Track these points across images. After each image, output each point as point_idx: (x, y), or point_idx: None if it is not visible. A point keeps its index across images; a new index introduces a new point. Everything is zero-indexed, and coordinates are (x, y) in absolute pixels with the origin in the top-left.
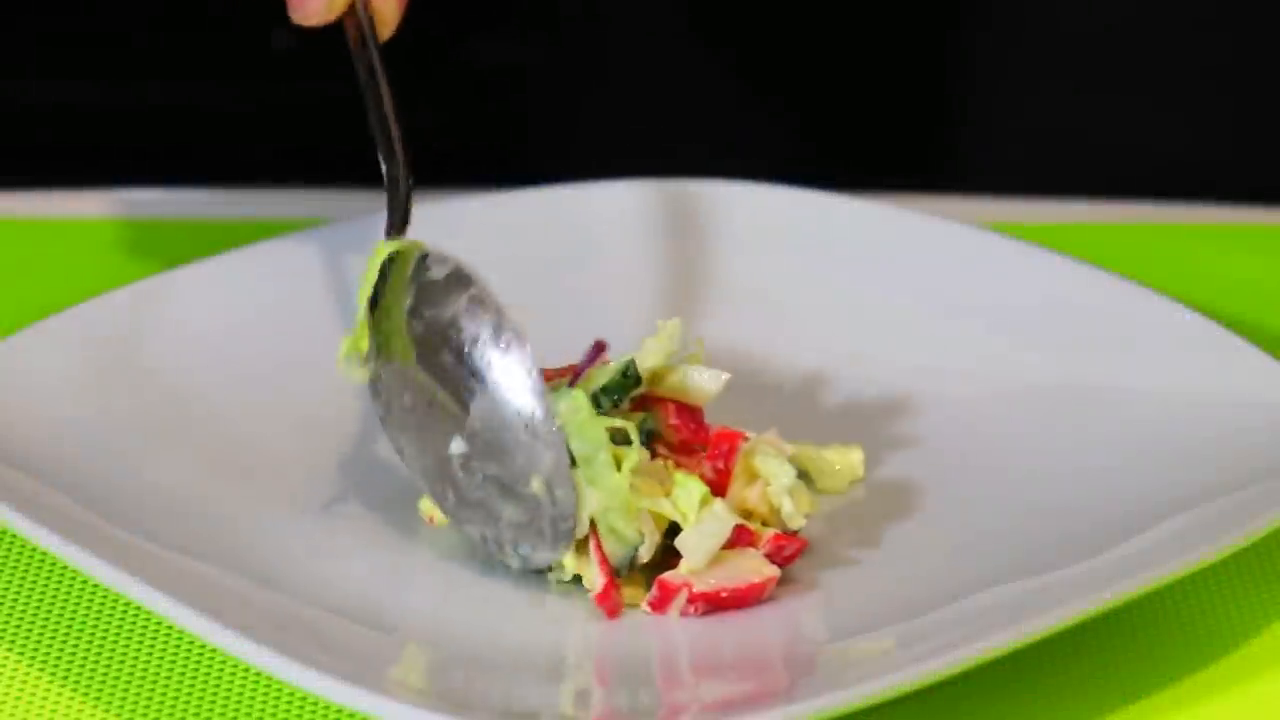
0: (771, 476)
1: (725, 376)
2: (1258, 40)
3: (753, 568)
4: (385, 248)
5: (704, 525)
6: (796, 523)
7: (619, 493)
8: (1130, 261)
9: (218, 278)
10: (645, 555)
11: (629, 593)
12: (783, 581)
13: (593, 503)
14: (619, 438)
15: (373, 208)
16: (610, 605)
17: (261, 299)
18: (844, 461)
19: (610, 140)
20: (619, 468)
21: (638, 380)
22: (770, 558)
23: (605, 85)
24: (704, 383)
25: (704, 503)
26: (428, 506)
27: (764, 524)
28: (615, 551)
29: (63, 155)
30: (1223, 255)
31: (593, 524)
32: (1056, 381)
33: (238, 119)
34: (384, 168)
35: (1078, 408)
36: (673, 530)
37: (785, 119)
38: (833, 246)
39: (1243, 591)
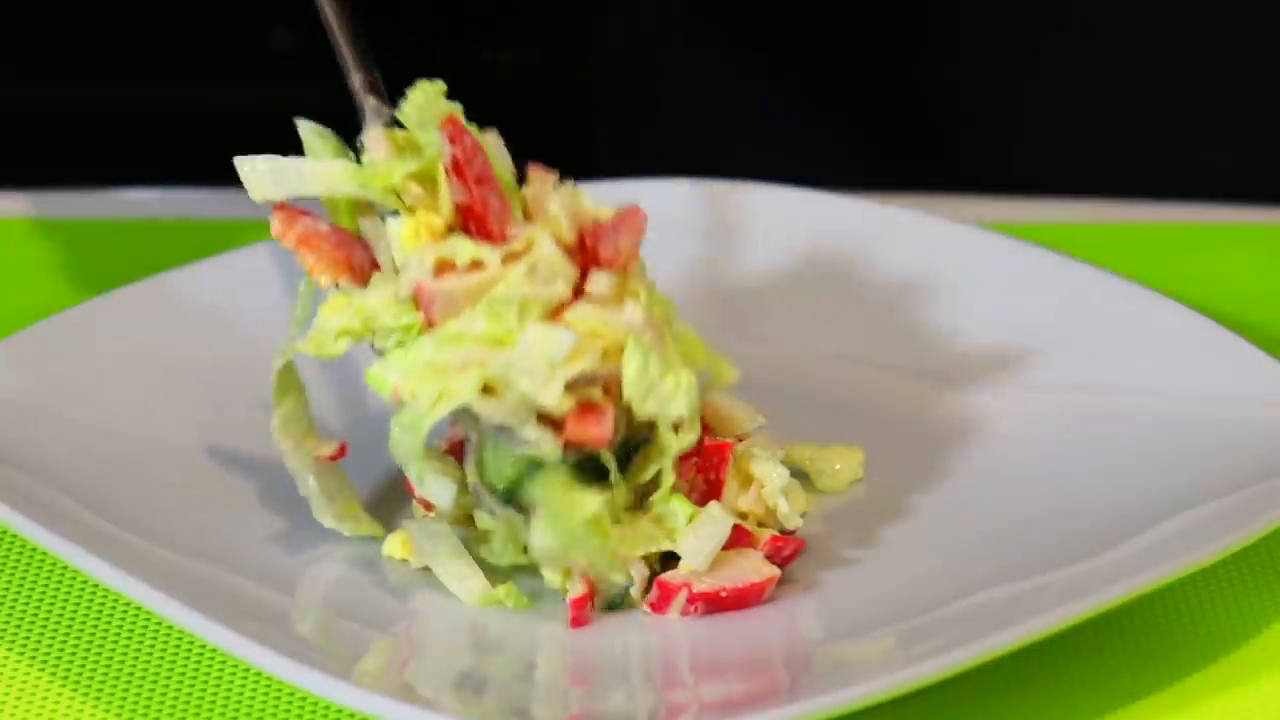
0: (765, 478)
1: (761, 420)
2: (1258, 40)
3: (752, 567)
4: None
5: (701, 527)
6: (793, 523)
7: (602, 553)
8: (1130, 261)
9: (217, 278)
10: (637, 595)
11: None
12: (782, 581)
13: (578, 562)
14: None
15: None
16: (582, 615)
17: (260, 299)
18: (844, 461)
19: (610, 141)
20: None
21: None
22: (769, 558)
23: (607, 86)
24: (740, 418)
25: (692, 519)
26: (393, 547)
27: (761, 525)
28: (606, 592)
29: (62, 155)
30: (1223, 255)
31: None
32: (1056, 381)
33: (238, 119)
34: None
35: (1077, 407)
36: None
37: (786, 119)
38: (833, 246)
39: (1243, 591)
